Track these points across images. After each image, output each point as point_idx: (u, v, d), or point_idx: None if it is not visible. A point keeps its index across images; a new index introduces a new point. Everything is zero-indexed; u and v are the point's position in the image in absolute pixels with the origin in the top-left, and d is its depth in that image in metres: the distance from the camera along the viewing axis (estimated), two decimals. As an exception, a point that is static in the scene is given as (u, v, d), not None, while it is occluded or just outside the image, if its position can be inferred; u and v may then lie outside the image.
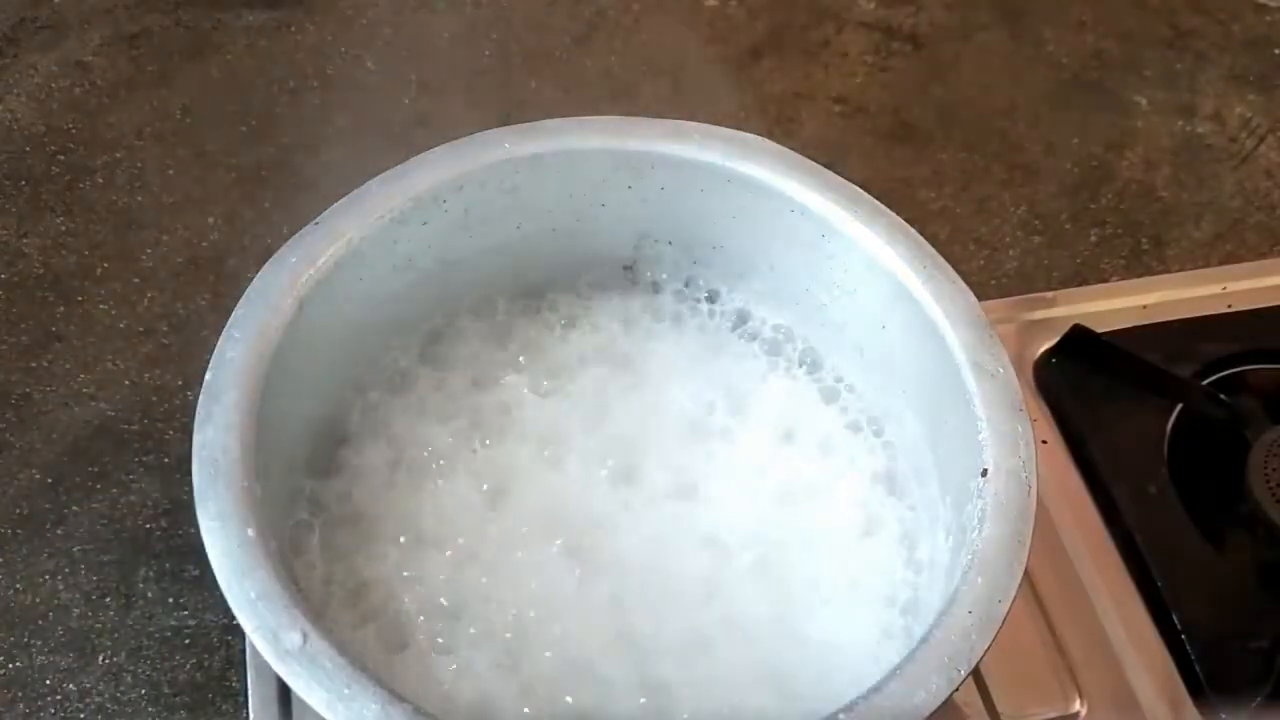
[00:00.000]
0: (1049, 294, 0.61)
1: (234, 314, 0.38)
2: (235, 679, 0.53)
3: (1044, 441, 0.55)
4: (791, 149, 0.44)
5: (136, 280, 0.66)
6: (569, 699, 0.41)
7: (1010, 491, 0.37)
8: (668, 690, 0.42)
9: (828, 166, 0.44)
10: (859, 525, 0.47)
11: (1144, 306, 0.60)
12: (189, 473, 0.35)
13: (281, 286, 0.39)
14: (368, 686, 0.32)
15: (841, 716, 0.33)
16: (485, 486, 0.45)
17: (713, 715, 0.42)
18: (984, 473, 0.38)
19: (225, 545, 0.34)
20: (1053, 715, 0.49)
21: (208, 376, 0.37)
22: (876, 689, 0.33)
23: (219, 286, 0.66)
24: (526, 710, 0.40)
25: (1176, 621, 0.50)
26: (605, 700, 0.41)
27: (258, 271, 0.40)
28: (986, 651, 0.34)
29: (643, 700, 0.41)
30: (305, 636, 0.32)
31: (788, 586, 0.44)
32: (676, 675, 0.42)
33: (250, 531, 0.34)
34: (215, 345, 0.38)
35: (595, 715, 0.41)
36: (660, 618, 0.43)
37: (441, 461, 0.47)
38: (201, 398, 0.36)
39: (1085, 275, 0.69)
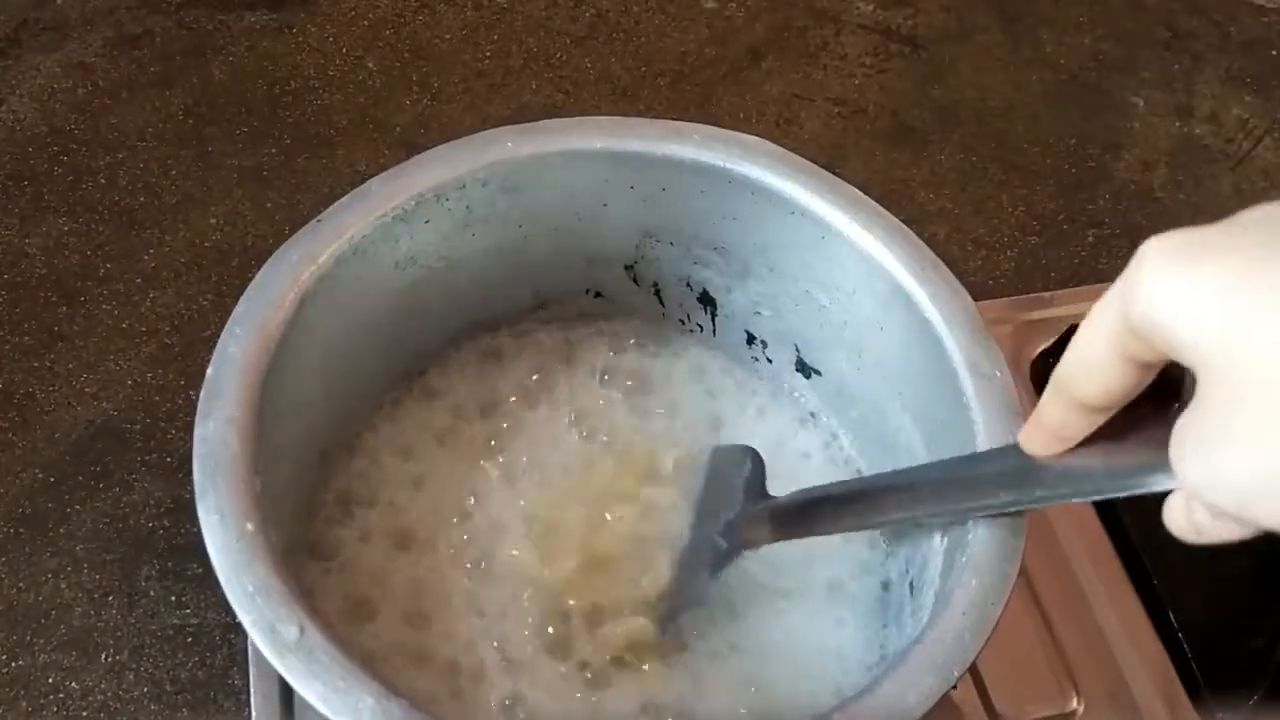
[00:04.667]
0: (1047, 294, 0.62)
1: (235, 310, 0.38)
2: (238, 677, 0.53)
3: (1042, 441, 0.55)
4: (791, 150, 0.44)
5: (139, 280, 0.66)
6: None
7: (1005, 491, 0.37)
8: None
9: (827, 168, 0.44)
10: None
11: (1142, 307, 0.60)
12: (191, 472, 0.35)
13: (283, 283, 0.39)
14: (363, 680, 0.32)
15: (835, 716, 0.33)
16: (493, 484, 0.46)
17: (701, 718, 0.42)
18: (980, 472, 0.38)
19: (224, 540, 0.34)
20: (1050, 714, 0.49)
21: (209, 372, 0.37)
22: (869, 690, 0.33)
23: (222, 286, 0.66)
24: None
25: (1173, 620, 0.50)
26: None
27: (260, 271, 0.40)
28: (980, 652, 0.34)
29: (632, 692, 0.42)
30: (302, 630, 0.32)
31: (783, 584, 0.45)
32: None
33: (249, 526, 0.34)
34: (218, 344, 0.38)
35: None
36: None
37: (444, 462, 0.47)
38: (203, 393, 0.36)
39: (1083, 276, 0.69)
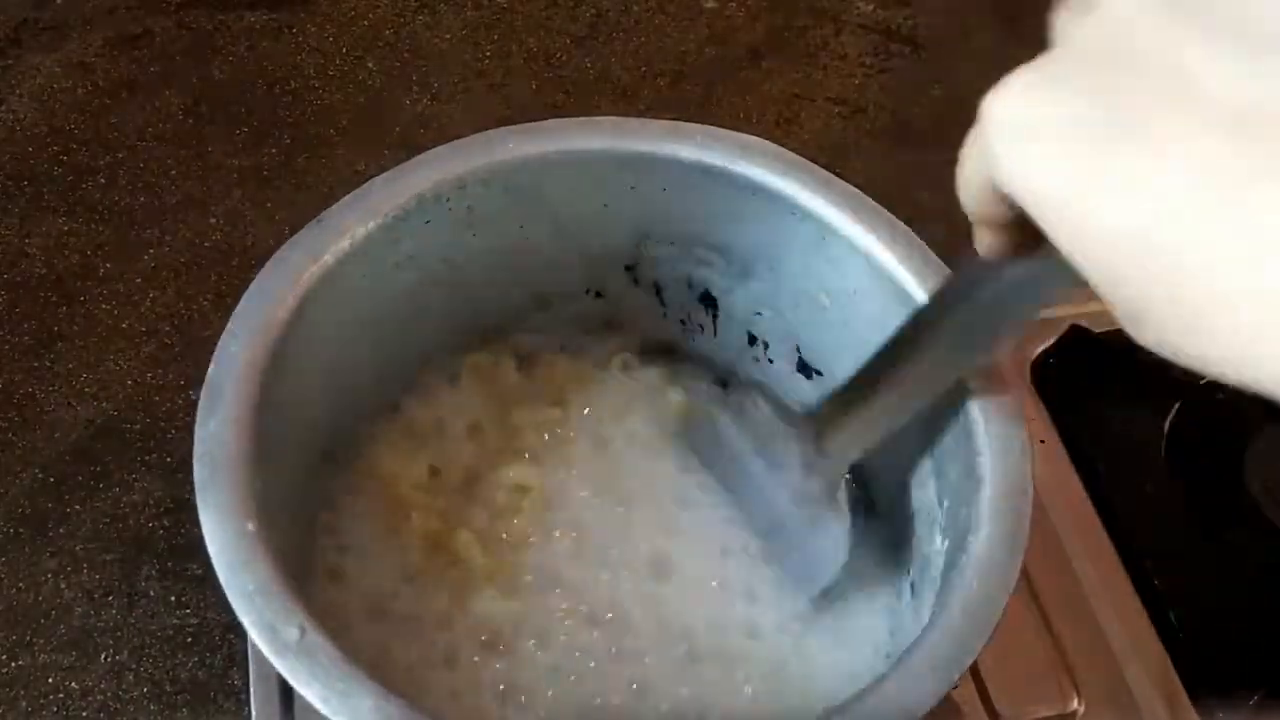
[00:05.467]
0: (1047, 294, 0.62)
1: (236, 310, 0.38)
2: (237, 677, 0.53)
3: (1041, 441, 0.55)
4: (791, 150, 0.44)
5: (139, 280, 0.66)
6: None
7: (1007, 494, 0.37)
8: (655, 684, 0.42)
9: (827, 167, 0.44)
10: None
11: (1142, 307, 0.60)
12: (191, 472, 0.35)
13: (284, 283, 0.39)
14: (364, 682, 0.32)
15: (835, 718, 0.33)
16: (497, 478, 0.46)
17: (701, 714, 0.42)
18: (980, 475, 0.38)
19: (224, 539, 0.34)
20: (1051, 714, 0.49)
21: (210, 371, 0.37)
22: (869, 690, 0.33)
23: (221, 286, 0.66)
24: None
25: (1174, 620, 0.50)
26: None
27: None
28: (980, 654, 0.34)
29: (633, 687, 0.42)
30: (303, 631, 0.32)
31: (780, 585, 0.45)
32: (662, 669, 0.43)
33: (250, 525, 0.34)
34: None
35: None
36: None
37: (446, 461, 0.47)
38: (203, 392, 0.36)
39: (1083, 276, 0.69)
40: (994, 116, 0.25)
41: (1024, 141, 0.24)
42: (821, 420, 0.42)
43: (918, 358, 0.38)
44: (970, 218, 0.31)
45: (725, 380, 0.52)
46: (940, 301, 0.38)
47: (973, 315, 0.36)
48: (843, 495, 0.42)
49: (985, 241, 0.32)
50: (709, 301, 0.50)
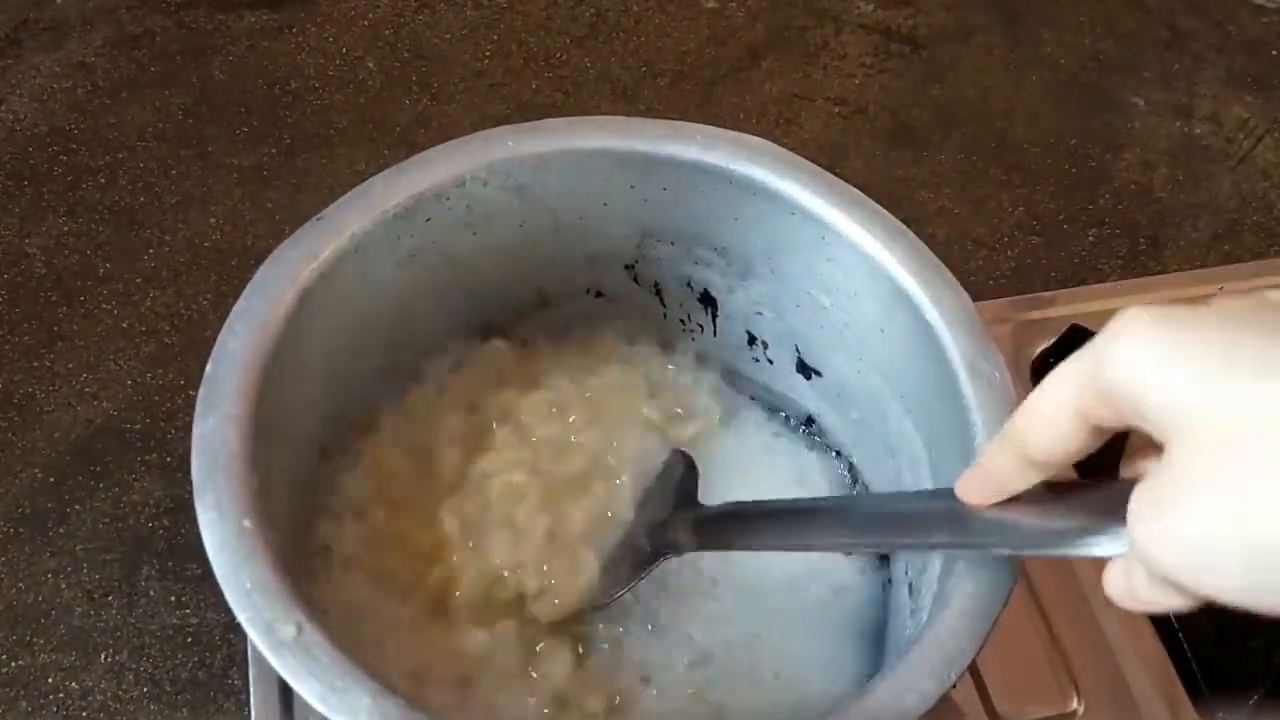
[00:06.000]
0: (1047, 294, 0.62)
1: (235, 307, 0.38)
2: (237, 677, 0.53)
3: (1042, 440, 0.55)
4: (791, 150, 0.44)
5: (139, 280, 0.66)
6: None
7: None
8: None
9: (827, 168, 0.44)
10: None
11: (1142, 307, 0.60)
12: (191, 471, 0.35)
13: (283, 281, 0.39)
14: (361, 679, 0.32)
15: (832, 718, 0.33)
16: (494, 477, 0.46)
17: (698, 715, 0.42)
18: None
19: (222, 536, 0.34)
20: (1051, 714, 0.49)
21: (208, 368, 0.37)
22: (867, 691, 0.33)
23: (221, 286, 0.66)
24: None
25: (1174, 620, 0.50)
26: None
27: (260, 270, 0.40)
28: (977, 655, 0.34)
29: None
30: (300, 628, 0.32)
31: (780, 586, 0.45)
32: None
33: (247, 523, 0.34)
34: (218, 343, 0.38)
35: None
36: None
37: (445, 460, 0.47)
38: (202, 389, 0.36)
39: (1083, 275, 0.69)
40: (1135, 314, 0.26)
41: (1161, 333, 0.25)
42: (698, 515, 0.42)
43: (798, 531, 0.39)
44: (1016, 452, 0.31)
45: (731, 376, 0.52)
46: (856, 507, 0.40)
47: (884, 534, 0.37)
48: (633, 579, 0.42)
49: (998, 482, 0.32)
50: (709, 301, 0.50)
